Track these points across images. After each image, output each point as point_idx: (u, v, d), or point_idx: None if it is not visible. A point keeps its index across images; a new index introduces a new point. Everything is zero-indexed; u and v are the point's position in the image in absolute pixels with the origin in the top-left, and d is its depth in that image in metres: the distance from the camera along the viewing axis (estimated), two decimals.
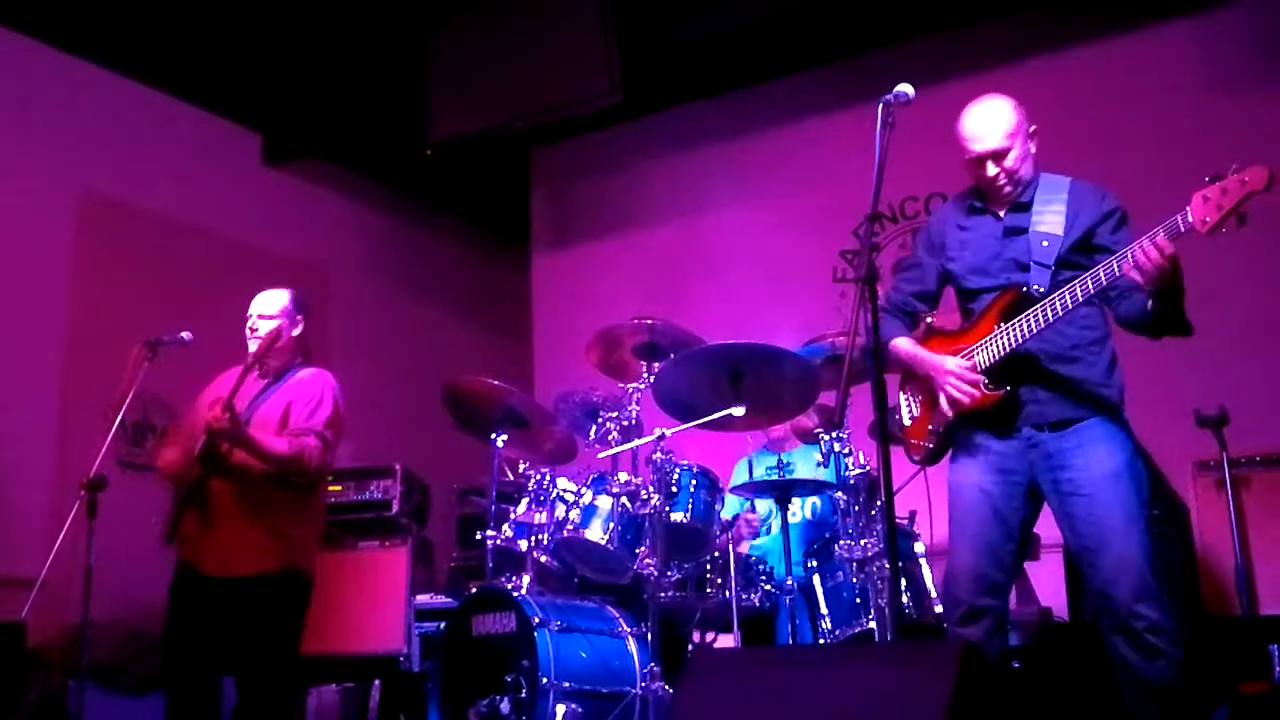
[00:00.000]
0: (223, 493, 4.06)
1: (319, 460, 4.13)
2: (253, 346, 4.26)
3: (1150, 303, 3.13)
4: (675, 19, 6.54)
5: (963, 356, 3.42)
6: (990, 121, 3.42)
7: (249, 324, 4.29)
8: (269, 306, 4.33)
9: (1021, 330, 3.28)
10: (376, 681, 5.65)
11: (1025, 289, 3.34)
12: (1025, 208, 3.46)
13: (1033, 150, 3.48)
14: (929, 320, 3.66)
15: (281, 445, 4.09)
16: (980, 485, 3.39)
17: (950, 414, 3.43)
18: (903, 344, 3.58)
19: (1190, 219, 2.97)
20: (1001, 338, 3.33)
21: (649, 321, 4.78)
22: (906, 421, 3.63)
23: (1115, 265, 3.09)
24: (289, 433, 4.14)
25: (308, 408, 4.21)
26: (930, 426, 3.52)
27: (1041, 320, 3.23)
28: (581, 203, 8.39)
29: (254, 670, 4.03)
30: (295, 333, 4.36)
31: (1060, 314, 3.21)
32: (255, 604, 4.03)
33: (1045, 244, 3.38)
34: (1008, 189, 3.46)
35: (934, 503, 4.27)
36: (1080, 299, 3.17)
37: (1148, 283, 3.04)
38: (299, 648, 4.18)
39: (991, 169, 3.43)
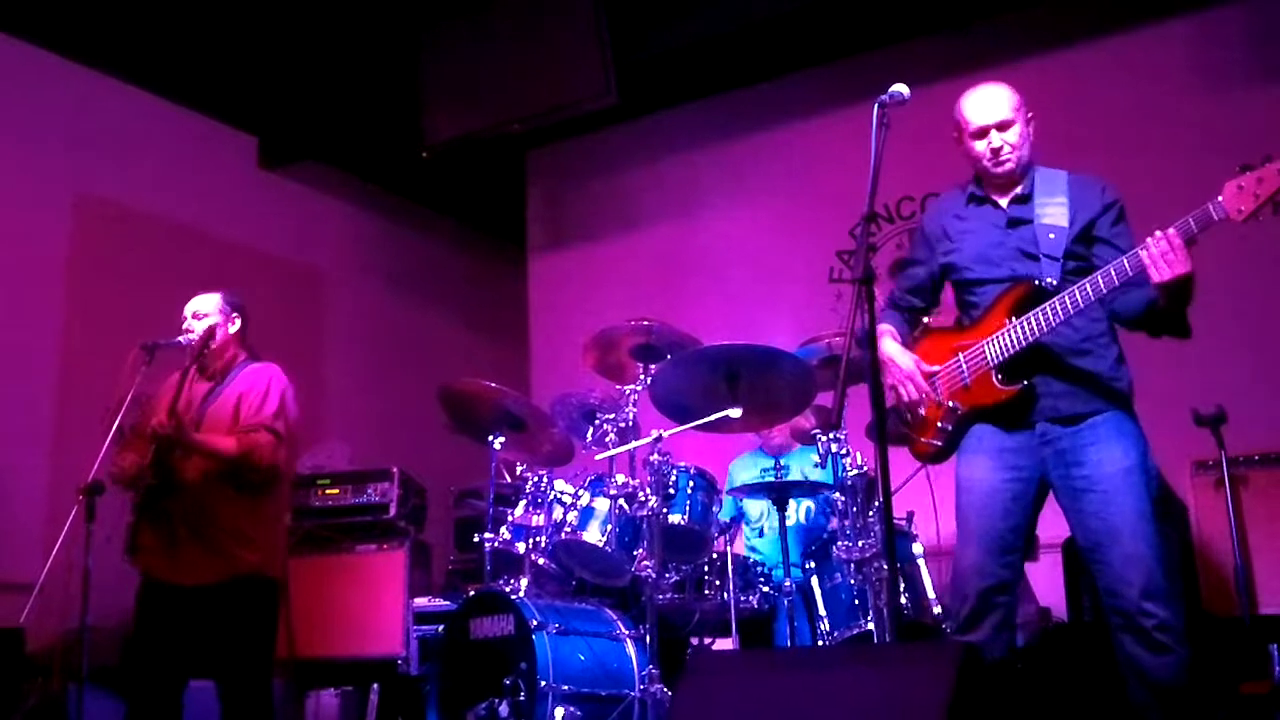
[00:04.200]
0: (178, 500, 4.04)
1: (270, 455, 4.09)
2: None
3: (1156, 298, 3.12)
4: (670, 21, 6.54)
5: (970, 352, 3.41)
6: (995, 96, 3.45)
7: (184, 325, 4.29)
8: (202, 306, 4.33)
9: (1036, 324, 3.26)
10: (375, 685, 5.65)
11: (1038, 282, 3.33)
12: (1026, 200, 3.46)
13: (1031, 136, 3.48)
14: (926, 320, 3.65)
15: (229, 444, 4.06)
16: (991, 482, 3.37)
17: (907, 403, 3.48)
18: (886, 341, 3.55)
19: (1224, 208, 2.96)
20: (1014, 332, 3.31)
21: (645, 323, 4.77)
22: (910, 419, 3.59)
23: (1139, 254, 3.07)
24: (238, 430, 4.11)
25: (255, 403, 4.18)
26: (939, 424, 3.49)
27: (1060, 314, 3.21)
28: (577, 204, 8.39)
29: (232, 676, 4.03)
30: (232, 329, 4.34)
31: (1081, 306, 3.19)
32: (223, 610, 4.00)
33: (1052, 236, 3.37)
34: (1009, 164, 3.44)
35: (936, 503, 4.27)
36: (1104, 290, 3.16)
37: (1162, 278, 3.03)
38: (273, 650, 4.17)
39: (996, 139, 3.43)
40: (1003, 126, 3.43)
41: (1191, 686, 3.14)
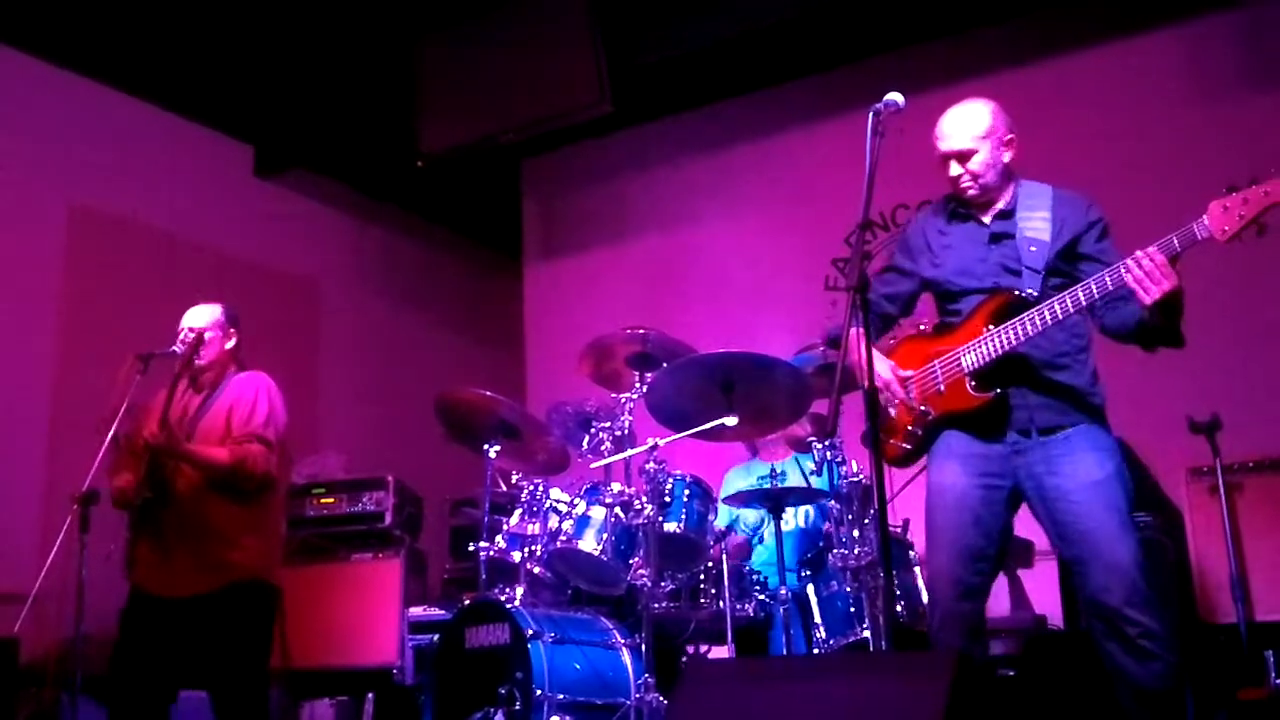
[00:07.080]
0: (172, 512, 4.04)
1: (264, 465, 4.09)
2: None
3: (1146, 313, 3.12)
4: (664, 29, 6.55)
5: (945, 358, 3.41)
6: (960, 122, 3.45)
7: (180, 337, 4.28)
8: (200, 319, 4.32)
9: (1014, 334, 3.26)
10: (370, 695, 5.64)
11: (1018, 293, 3.33)
12: (1009, 215, 3.47)
13: (1005, 159, 3.47)
14: (921, 326, 3.66)
15: (222, 454, 4.06)
16: (962, 489, 3.37)
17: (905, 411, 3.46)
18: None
19: (1208, 227, 2.98)
20: (991, 340, 3.31)
21: (641, 331, 4.77)
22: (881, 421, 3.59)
23: (1121, 271, 3.08)
24: (230, 440, 4.11)
25: (245, 412, 4.18)
26: (909, 427, 3.50)
27: (1037, 324, 3.22)
28: (572, 213, 8.40)
29: (227, 685, 4.02)
30: (229, 345, 4.35)
31: (1059, 318, 3.20)
32: (219, 618, 4.00)
33: (1034, 249, 3.38)
34: (971, 191, 3.47)
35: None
36: (1083, 304, 3.17)
37: (1151, 298, 3.03)
38: (269, 659, 4.17)
39: (955, 169, 3.46)
40: (962, 157, 3.44)
41: (1180, 693, 3.13)
